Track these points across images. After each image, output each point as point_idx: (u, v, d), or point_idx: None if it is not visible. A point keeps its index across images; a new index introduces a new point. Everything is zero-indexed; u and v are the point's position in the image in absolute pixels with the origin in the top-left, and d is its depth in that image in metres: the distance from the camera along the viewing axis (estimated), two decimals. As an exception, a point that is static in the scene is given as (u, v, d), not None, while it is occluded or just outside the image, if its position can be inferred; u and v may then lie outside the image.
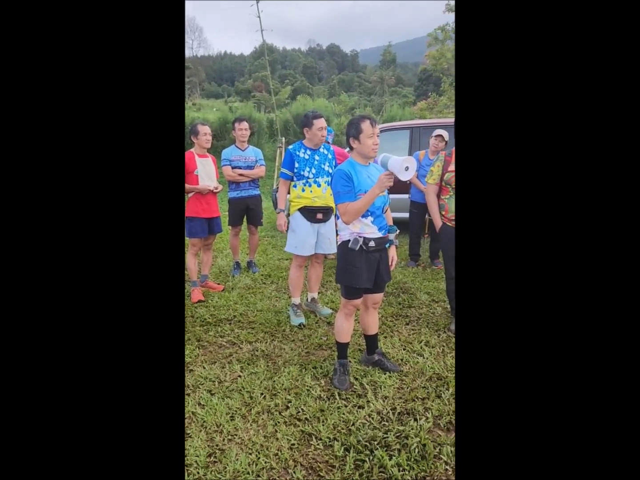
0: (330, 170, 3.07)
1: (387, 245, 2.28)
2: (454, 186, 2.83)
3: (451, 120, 7.00)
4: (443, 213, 2.96)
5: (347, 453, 1.79)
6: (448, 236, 2.94)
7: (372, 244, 2.17)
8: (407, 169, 2.00)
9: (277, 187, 3.47)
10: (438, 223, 3.00)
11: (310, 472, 1.71)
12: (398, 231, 2.33)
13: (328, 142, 3.83)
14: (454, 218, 2.87)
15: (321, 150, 3.06)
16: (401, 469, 1.70)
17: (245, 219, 4.25)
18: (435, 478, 1.67)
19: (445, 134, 4.26)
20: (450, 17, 12.97)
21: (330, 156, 3.11)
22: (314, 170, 2.98)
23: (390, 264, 2.33)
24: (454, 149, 2.89)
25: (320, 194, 2.98)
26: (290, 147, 3.08)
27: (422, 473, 1.69)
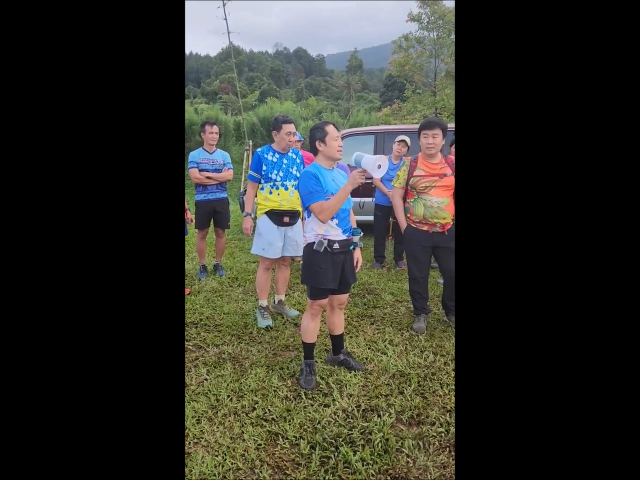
0: (298, 174, 3.11)
1: (351, 248, 2.33)
2: (418, 190, 2.95)
3: (415, 126, 7.22)
4: (408, 215, 3.07)
5: (312, 451, 1.83)
6: (412, 238, 3.06)
7: (336, 246, 2.23)
8: (379, 167, 2.08)
9: (245, 190, 3.48)
10: (403, 225, 3.11)
11: (276, 471, 1.74)
12: (362, 233, 2.39)
13: (298, 147, 3.88)
14: (418, 220, 2.99)
15: (289, 154, 3.10)
16: (365, 463, 1.76)
17: (212, 222, 4.21)
18: (397, 470, 1.73)
19: (407, 139, 4.41)
20: (413, 26, 13.42)
21: (298, 160, 3.15)
22: (281, 174, 3.02)
23: (355, 265, 2.39)
24: (419, 154, 3.01)
25: (288, 198, 3.02)
26: (258, 149, 3.10)
27: (385, 466, 1.75)
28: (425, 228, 2.98)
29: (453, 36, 13.08)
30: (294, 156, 3.12)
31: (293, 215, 3.07)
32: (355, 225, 2.40)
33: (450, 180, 2.92)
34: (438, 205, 2.90)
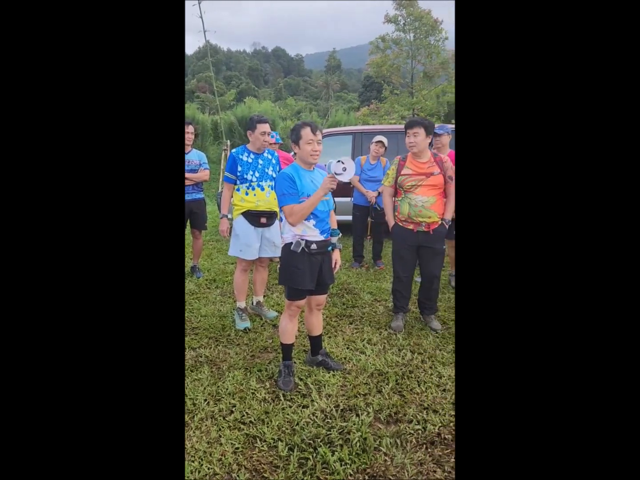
0: (274, 175, 3.09)
1: (329, 249, 2.33)
2: (405, 188, 2.97)
3: (392, 126, 7.29)
4: (395, 214, 3.10)
5: (291, 452, 1.82)
6: (398, 236, 3.08)
7: (314, 246, 2.22)
8: (344, 169, 2.07)
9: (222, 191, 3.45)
10: (391, 223, 3.14)
11: (254, 474, 1.72)
12: (340, 234, 2.39)
13: (275, 149, 3.86)
14: (404, 219, 3.01)
15: (265, 154, 3.08)
16: (343, 463, 1.76)
17: (189, 223, 4.15)
18: (374, 469, 1.75)
19: (385, 140, 4.45)
20: (390, 28, 13.56)
21: (274, 161, 3.13)
22: (257, 174, 2.99)
23: (333, 266, 2.39)
24: (409, 154, 3.02)
25: (264, 198, 2.99)
26: (233, 150, 3.07)
27: (363, 465, 1.76)
28: (410, 227, 3.00)
29: (430, 38, 13.29)
30: (270, 156, 3.10)
31: (270, 216, 3.05)
32: (335, 227, 2.40)
33: (437, 179, 2.93)
34: (422, 204, 2.92)
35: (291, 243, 2.24)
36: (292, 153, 6.02)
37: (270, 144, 4.36)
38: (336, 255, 2.40)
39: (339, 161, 2.06)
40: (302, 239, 2.22)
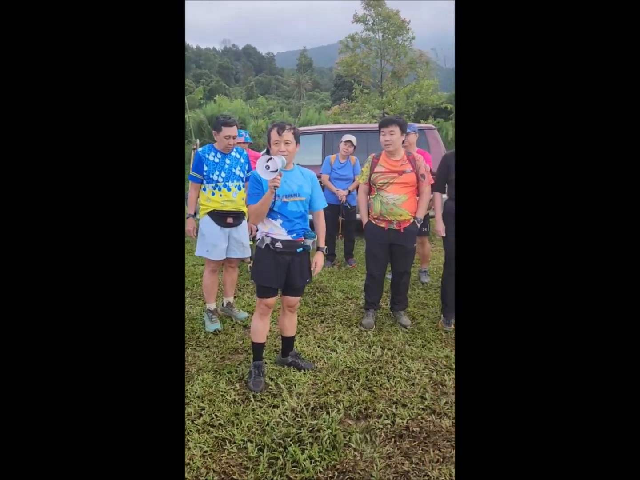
0: (242, 175, 3.06)
1: (299, 250, 2.28)
2: (377, 186, 2.99)
3: (362, 125, 7.35)
4: (369, 211, 3.12)
5: (260, 453, 1.82)
6: (371, 234, 3.11)
7: (278, 244, 2.22)
8: (267, 167, 1.99)
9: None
10: (364, 220, 3.16)
11: (223, 476, 1.70)
12: (316, 237, 2.35)
13: (245, 148, 3.82)
14: (376, 216, 3.03)
15: (233, 153, 3.04)
16: (313, 461, 1.77)
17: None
18: (344, 465, 1.76)
19: (353, 139, 4.48)
20: (359, 27, 13.66)
21: (242, 160, 3.09)
22: (223, 174, 2.95)
23: (313, 268, 2.33)
24: (383, 152, 3.04)
25: (231, 198, 2.96)
26: (200, 149, 3.01)
27: (333, 462, 1.77)
28: (382, 225, 3.02)
29: (397, 38, 13.46)
30: (238, 156, 3.06)
31: (237, 216, 3.02)
32: (321, 229, 2.36)
33: (410, 177, 2.96)
34: (394, 202, 2.94)
35: (259, 239, 2.27)
36: (263, 153, 6.00)
37: (240, 143, 4.33)
38: (317, 258, 2.34)
39: (269, 159, 1.99)
40: (268, 236, 2.24)
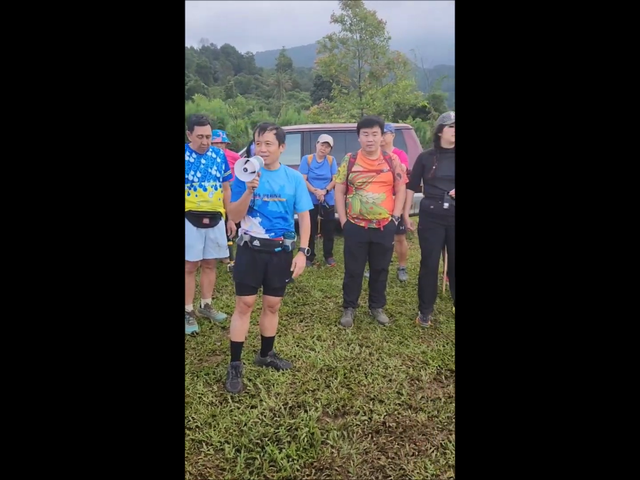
0: (218, 175, 3.04)
1: (277, 250, 2.27)
2: (356, 186, 3.01)
3: (340, 125, 7.39)
4: (347, 211, 3.13)
5: (238, 454, 1.81)
6: (350, 233, 3.12)
7: (256, 242, 2.24)
8: (245, 170, 2.00)
9: None
10: (343, 219, 3.18)
11: (199, 478, 1.69)
12: (295, 238, 2.34)
13: (222, 148, 3.78)
14: (355, 216, 3.05)
15: (209, 153, 3.01)
16: (290, 459, 1.78)
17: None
18: (321, 462, 1.77)
19: (330, 139, 4.50)
20: (337, 27, 13.73)
21: (219, 160, 3.07)
22: (199, 174, 2.92)
23: (293, 269, 2.29)
24: (360, 150, 3.06)
25: (207, 199, 2.93)
26: (174, 150, 2.97)
27: (310, 459, 1.78)
28: (362, 224, 3.04)
29: (375, 38, 13.58)
30: (214, 155, 3.04)
31: (213, 217, 2.99)
32: (306, 230, 2.36)
33: (387, 176, 3.00)
34: (374, 201, 2.97)
35: (240, 237, 2.29)
36: (241, 152, 5.95)
37: (217, 143, 4.29)
38: (298, 259, 2.30)
39: (246, 161, 1.99)
40: (247, 234, 2.25)
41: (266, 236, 2.25)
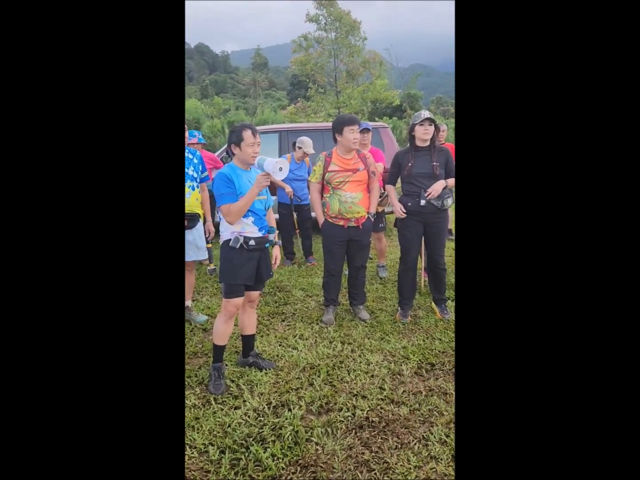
0: (195, 175, 3.01)
1: (267, 245, 2.39)
2: (333, 185, 3.03)
3: (318, 124, 7.40)
4: (325, 210, 3.14)
5: (222, 455, 1.81)
6: (328, 233, 3.14)
7: (252, 242, 2.28)
8: (280, 169, 2.19)
9: None
10: (320, 219, 3.19)
11: (184, 482, 1.68)
12: (277, 232, 2.45)
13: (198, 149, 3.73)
14: (334, 215, 3.06)
15: (186, 154, 2.98)
16: (275, 458, 1.79)
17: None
18: (306, 459, 1.79)
19: (309, 146, 4.49)
20: (312, 27, 13.76)
21: (196, 160, 3.04)
22: (176, 176, 2.89)
23: (273, 262, 2.46)
24: (334, 149, 3.07)
25: (184, 200, 2.90)
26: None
27: (295, 457, 1.80)
28: (341, 223, 3.06)
29: (350, 37, 13.66)
30: (191, 156, 3.01)
31: (191, 218, 2.97)
32: (273, 224, 2.47)
33: (363, 175, 3.02)
34: (352, 200, 3.00)
35: (230, 240, 2.28)
36: (218, 153, 5.89)
37: (193, 144, 4.24)
38: (276, 252, 2.47)
39: (276, 162, 2.17)
40: (241, 235, 2.27)
41: (259, 234, 2.32)
